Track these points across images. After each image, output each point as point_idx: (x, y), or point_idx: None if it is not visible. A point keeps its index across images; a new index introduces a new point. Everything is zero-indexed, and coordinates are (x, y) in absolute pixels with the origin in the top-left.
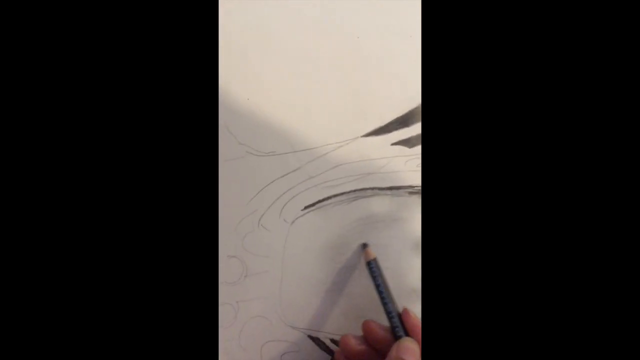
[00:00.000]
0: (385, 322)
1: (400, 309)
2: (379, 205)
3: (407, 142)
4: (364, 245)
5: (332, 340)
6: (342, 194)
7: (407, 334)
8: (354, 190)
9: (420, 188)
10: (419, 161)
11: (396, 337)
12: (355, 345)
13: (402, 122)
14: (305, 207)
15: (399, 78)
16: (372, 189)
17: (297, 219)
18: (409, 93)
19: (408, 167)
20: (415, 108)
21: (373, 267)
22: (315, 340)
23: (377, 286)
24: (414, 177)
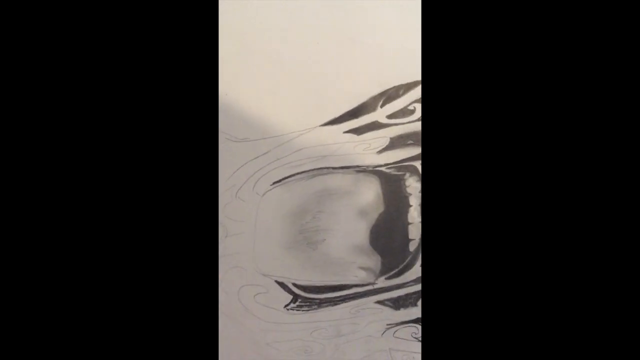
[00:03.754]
0: None
1: None
2: (333, 181)
3: (356, 131)
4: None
5: (294, 284)
6: (303, 172)
7: None
8: (313, 169)
9: (365, 167)
10: (365, 146)
11: None
12: None
13: (352, 114)
14: (274, 183)
15: (351, 78)
16: (327, 168)
17: (267, 192)
18: (358, 90)
19: (356, 150)
20: (364, 103)
21: None
22: (281, 284)
23: None
24: (361, 158)
